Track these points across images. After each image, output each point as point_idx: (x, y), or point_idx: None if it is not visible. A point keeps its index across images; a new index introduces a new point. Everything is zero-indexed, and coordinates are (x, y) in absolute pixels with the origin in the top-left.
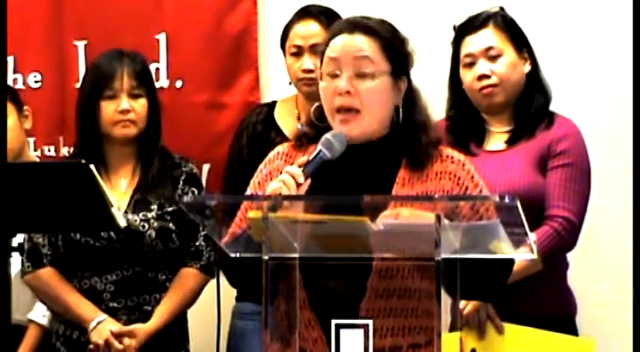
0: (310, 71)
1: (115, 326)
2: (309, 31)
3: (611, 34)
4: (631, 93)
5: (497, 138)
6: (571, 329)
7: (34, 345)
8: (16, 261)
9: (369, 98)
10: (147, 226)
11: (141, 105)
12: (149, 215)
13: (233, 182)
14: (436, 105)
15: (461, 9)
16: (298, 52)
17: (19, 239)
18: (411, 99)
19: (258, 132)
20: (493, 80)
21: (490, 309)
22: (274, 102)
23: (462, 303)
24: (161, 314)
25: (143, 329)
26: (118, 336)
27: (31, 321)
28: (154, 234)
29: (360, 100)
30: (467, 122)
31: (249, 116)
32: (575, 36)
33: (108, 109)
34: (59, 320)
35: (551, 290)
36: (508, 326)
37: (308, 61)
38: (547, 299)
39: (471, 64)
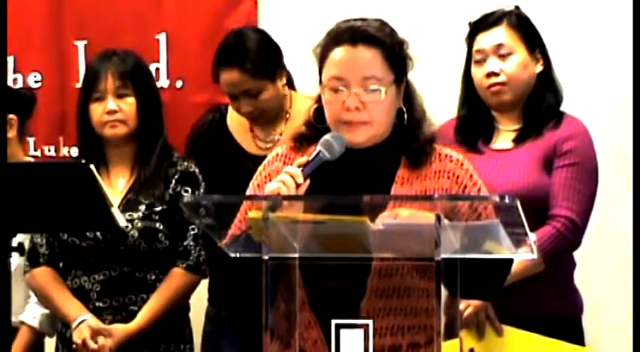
0: (250, 112)
1: (95, 325)
2: (234, 80)
3: (611, 34)
4: (631, 93)
5: (504, 137)
6: (577, 329)
7: (26, 346)
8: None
9: (378, 111)
10: (130, 226)
11: (128, 104)
12: (134, 215)
13: None
14: (441, 105)
15: (477, 8)
16: (232, 96)
17: (19, 239)
18: (408, 97)
19: (213, 143)
20: (501, 78)
21: (490, 311)
22: (226, 106)
23: (463, 304)
24: (144, 314)
25: (121, 329)
26: (95, 335)
27: (22, 323)
28: (136, 234)
29: (369, 114)
30: (477, 120)
31: (200, 124)
32: (574, 36)
33: (97, 111)
34: (58, 319)
35: (557, 290)
36: (507, 329)
37: (244, 106)
38: (553, 299)
39: (482, 61)
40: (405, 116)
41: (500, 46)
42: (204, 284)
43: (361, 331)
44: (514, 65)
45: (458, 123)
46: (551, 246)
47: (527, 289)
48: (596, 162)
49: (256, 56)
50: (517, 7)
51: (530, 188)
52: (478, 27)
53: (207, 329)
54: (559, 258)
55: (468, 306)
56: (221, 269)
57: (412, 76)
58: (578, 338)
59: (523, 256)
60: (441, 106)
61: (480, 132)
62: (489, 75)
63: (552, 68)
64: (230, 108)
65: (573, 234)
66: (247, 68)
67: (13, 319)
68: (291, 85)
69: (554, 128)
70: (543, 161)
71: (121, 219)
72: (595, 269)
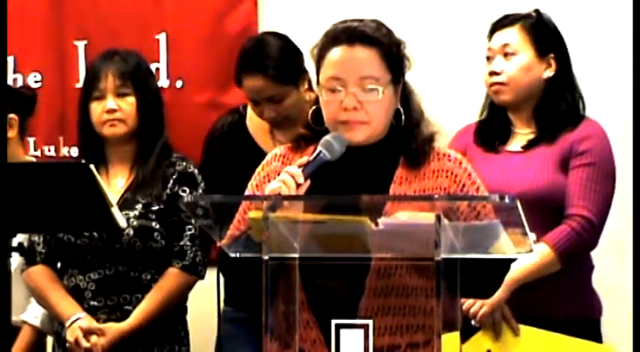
0: (273, 118)
1: (89, 324)
2: (257, 87)
3: (611, 34)
4: (631, 94)
5: (520, 139)
6: (594, 332)
7: (28, 346)
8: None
9: (376, 111)
10: (126, 225)
11: (128, 103)
12: (130, 214)
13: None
14: (443, 105)
15: (477, 8)
16: (256, 102)
17: (19, 239)
18: (405, 98)
19: (232, 144)
20: (501, 78)
21: (506, 310)
22: (245, 108)
23: (478, 304)
24: (137, 314)
25: (114, 328)
26: (87, 333)
27: (25, 322)
28: (132, 232)
29: (367, 114)
30: (495, 121)
31: (219, 126)
32: (574, 37)
33: (96, 110)
34: (54, 318)
35: (575, 292)
36: (524, 328)
37: (267, 111)
38: (570, 301)
39: (490, 59)
40: (403, 116)
41: (506, 45)
42: (206, 284)
43: (361, 331)
44: (516, 66)
45: (478, 124)
46: (567, 245)
47: (544, 291)
48: (613, 162)
49: (279, 63)
50: (537, 11)
51: (547, 187)
52: (495, 26)
53: (223, 330)
54: (576, 259)
55: (482, 306)
56: (238, 270)
57: (415, 76)
58: (595, 340)
59: (522, 256)
60: (442, 106)
61: (497, 133)
62: (491, 73)
63: (572, 75)
64: (249, 110)
65: (589, 233)
66: (271, 75)
67: (15, 318)
68: (310, 87)
69: (571, 130)
70: (560, 161)
71: (122, 220)
72: (617, 271)
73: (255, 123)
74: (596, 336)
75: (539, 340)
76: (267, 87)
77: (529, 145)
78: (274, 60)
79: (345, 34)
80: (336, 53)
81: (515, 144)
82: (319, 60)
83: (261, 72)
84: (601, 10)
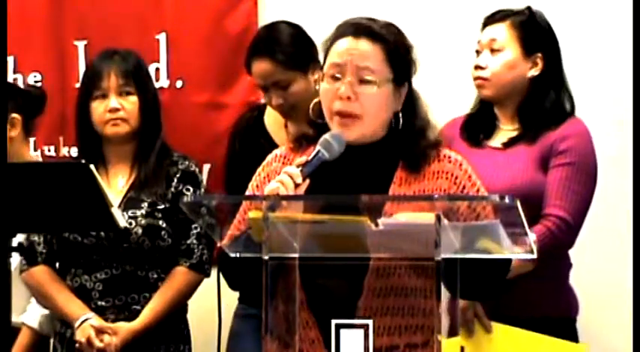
0: (280, 105)
1: (100, 323)
2: (265, 71)
3: (611, 34)
4: (631, 93)
5: (503, 135)
6: (570, 331)
7: (27, 347)
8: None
9: (370, 104)
10: (134, 224)
11: (131, 102)
12: (138, 212)
13: (233, 190)
14: (444, 105)
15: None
16: (264, 88)
17: (19, 239)
18: (411, 105)
19: (249, 139)
20: (484, 73)
21: (478, 308)
22: (265, 104)
23: None
24: (147, 313)
25: (126, 327)
26: (99, 332)
27: (23, 324)
28: (140, 231)
29: (361, 106)
30: (482, 116)
31: (240, 121)
32: (574, 36)
33: (98, 109)
34: (56, 319)
35: (552, 290)
36: (497, 326)
37: (275, 98)
38: (546, 300)
39: (478, 53)
40: (401, 120)
41: (493, 40)
42: (205, 283)
43: (361, 331)
44: (500, 62)
45: (465, 118)
46: (541, 245)
47: (521, 289)
48: (595, 161)
49: (287, 48)
50: (529, 8)
51: (527, 186)
52: (487, 21)
53: (232, 326)
54: (553, 258)
55: None
56: (234, 269)
57: (418, 76)
58: (571, 339)
59: (522, 256)
60: (439, 105)
61: (482, 127)
62: (476, 67)
63: (562, 75)
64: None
65: (565, 233)
66: (278, 59)
67: (15, 319)
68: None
69: (553, 129)
70: (541, 160)
71: (121, 220)
72: (595, 270)
73: (272, 119)
74: (572, 335)
75: (512, 338)
76: (273, 71)
77: (510, 143)
78: (283, 45)
79: (353, 28)
80: (341, 43)
81: (498, 140)
82: (326, 52)
83: (268, 55)
84: (598, 6)
